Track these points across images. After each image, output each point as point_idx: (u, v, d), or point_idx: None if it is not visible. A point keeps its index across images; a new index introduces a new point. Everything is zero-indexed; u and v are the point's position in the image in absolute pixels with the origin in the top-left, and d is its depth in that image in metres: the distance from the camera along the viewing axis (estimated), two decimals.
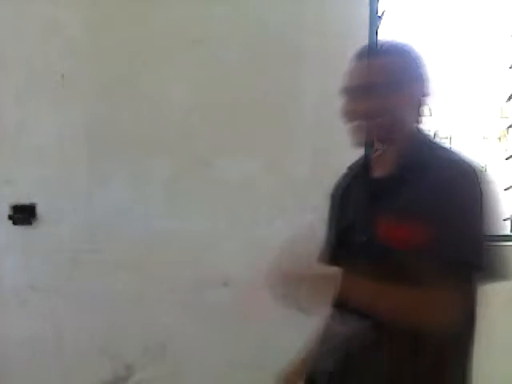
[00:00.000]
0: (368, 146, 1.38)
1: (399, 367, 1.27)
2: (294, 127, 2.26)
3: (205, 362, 2.27)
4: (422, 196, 1.23)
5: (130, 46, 2.26)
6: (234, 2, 2.27)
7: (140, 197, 2.28)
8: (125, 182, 2.29)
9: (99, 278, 2.28)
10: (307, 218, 1.53)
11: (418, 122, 1.33)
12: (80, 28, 2.26)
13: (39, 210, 2.29)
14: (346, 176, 1.48)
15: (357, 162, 1.45)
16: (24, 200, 2.28)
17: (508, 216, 2.49)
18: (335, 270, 1.29)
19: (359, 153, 1.44)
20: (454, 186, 1.21)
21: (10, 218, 2.28)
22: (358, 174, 1.40)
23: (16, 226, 2.29)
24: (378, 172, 1.35)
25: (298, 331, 1.58)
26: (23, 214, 2.28)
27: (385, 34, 2.32)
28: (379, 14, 2.29)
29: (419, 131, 1.34)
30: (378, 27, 2.29)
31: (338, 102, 1.37)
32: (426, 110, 1.33)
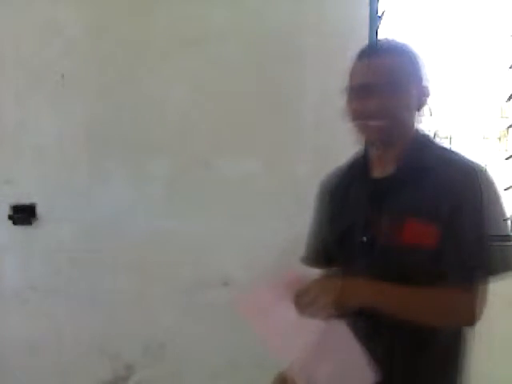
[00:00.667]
0: (368, 145, 1.37)
1: (405, 365, 1.27)
2: (294, 127, 2.26)
3: (205, 362, 2.27)
4: (430, 196, 1.23)
5: (130, 46, 2.26)
6: (234, 2, 2.27)
7: (140, 197, 2.28)
8: (125, 182, 2.29)
9: (99, 278, 2.28)
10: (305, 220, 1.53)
11: (417, 122, 1.33)
12: (80, 28, 2.26)
13: (39, 210, 2.29)
14: (339, 175, 1.47)
15: (352, 161, 1.44)
16: (24, 200, 2.28)
17: (508, 216, 2.49)
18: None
19: (358, 152, 1.44)
20: (462, 186, 1.21)
21: (10, 218, 2.28)
22: (356, 174, 1.39)
23: (16, 226, 2.29)
24: (377, 172, 1.34)
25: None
26: (23, 214, 2.28)
27: (385, 34, 2.32)
28: (379, 14, 2.29)
29: (419, 131, 1.34)
30: (378, 27, 2.29)
31: (339, 102, 1.37)
32: (425, 110, 1.33)
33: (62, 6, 2.26)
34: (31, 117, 2.29)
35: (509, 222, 2.37)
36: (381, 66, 1.25)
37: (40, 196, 2.29)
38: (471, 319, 1.22)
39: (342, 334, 1.19)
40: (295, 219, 2.17)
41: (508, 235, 1.24)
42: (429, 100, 1.33)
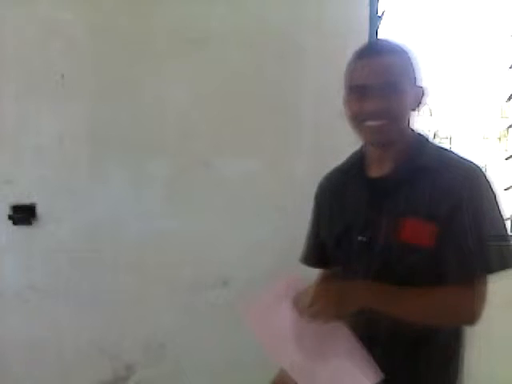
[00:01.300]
0: (366, 145, 1.37)
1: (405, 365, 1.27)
2: (294, 127, 2.26)
3: (205, 362, 2.27)
4: (428, 196, 1.23)
5: (130, 46, 2.26)
6: (234, 2, 2.27)
7: (140, 197, 2.28)
8: (125, 182, 2.29)
9: (99, 277, 2.28)
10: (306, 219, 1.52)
11: (415, 122, 1.34)
12: (80, 28, 2.26)
13: (39, 210, 2.29)
14: (337, 175, 1.47)
15: (349, 161, 1.44)
16: (24, 200, 2.28)
17: (508, 216, 2.50)
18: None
19: (355, 152, 1.44)
20: (461, 186, 1.21)
21: (9, 218, 2.28)
22: (354, 174, 1.39)
23: (16, 226, 2.29)
24: (375, 172, 1.34)
25: None
26: (23, 214, 2.27)
27: (385, 34, 2.32)
28: (379, 14, 2.29)
29: (417, 132, 1.34)
30: (378, 27, 2.29)
31: (339, 102, 1.37)
32: (425, 110, 1.34)
33: (61, 6, 2.26)
34: (31, 117, 2.29)
35: (508, 221, 2.37)
36: (378, 66, 1.25)
37: (40, 196, 2.29)
38: (472, 318, 1.22)
39: (343, 336, 1.19)
40: (295, 219, 2.17)
41: (506, 235, 1.25)
42: (427, 100, 1.33)
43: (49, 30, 2.27)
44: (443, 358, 1.28)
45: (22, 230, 2.29)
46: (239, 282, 2.25)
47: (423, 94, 1.30)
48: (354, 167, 1.39)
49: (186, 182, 2.27)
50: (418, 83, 1.30)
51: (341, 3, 2.25)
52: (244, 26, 2.25)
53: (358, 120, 1.28)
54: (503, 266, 1.22)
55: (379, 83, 1.23)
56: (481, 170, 1.26)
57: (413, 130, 1.33)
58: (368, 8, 2.23)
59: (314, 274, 1.54)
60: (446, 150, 1.37)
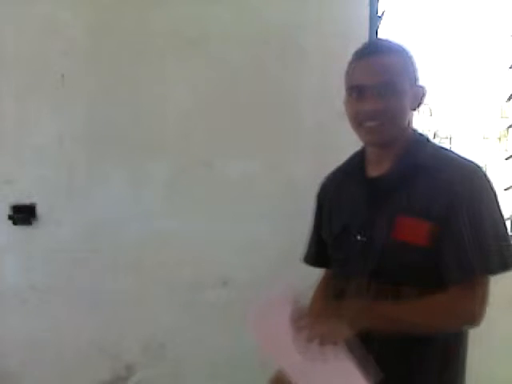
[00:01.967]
0: (366, 145, 1.37)
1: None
2: (294, 127, 2.26)
3: (205, 362, 2.27)
4: (427, 195, 1.23)
5: (130, 46, 2.26)
6: (234, 2, 2.27)
7: (140, 197, 2.28)
8: (125, 182, 2.29)
9: (99, 278, 2.28)
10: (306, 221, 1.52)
11: (414, 121, 1.34)
12: (80, 28, 2.26)
13: (39, 210, 2.29)
14: (337, 175, 1.47)
15: (349, 161, 1.44)
16: (24, 200, 2.28)
17: (508, 216, 2.50)
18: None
19: (355, 152, 1.44)
20: (460, 185, 1.21)
21: (9, 218, 2.28)
22: (353, 174, 1.39)
23: (16, 226, 2.29)
24: (374, 172, 1.34)
25: None
26: (23, 214, 2.27)
27: (385, 34, 2.32)
28: (379, 14, 2.29)
29: (416, 131, 1.34)
30: (378, 27, 2.28)
31: (339, 102, 1.37)
32: (425, 110, 1.34)
33: (61, 6, 2.26)
34: (31, 117, 2.29)
35: (508, 221, 2.37)
36: (376, 66, 1.24)
37: (40, 196, 2.29)
38: (474, 319, 1.22)
39: (340, 359, 1.18)
40: (295, 219, 2.17)
41: (506, 235, 1.25)
42: (426, 99, 1.33)
43: (49, 30, 2.27)
44: (442, 359, 1.28)
45: (21, 230, 2.29)
46: (239, 282, 2.25)
47: (423, 93, 1.30)
48: (354, 167, 1.39)
49: (186, 182, 2.27)
50: (418, 83, 1.30)
51: (341, 3, 2.25)
52: (244, 25, 2.25)
53: (356, 120, 1.28)
54: (503, 267, 1.21)
55: (377, 83, 1.23)
56: (481, 169, 1.27)
57: (413, 130, 1.33)
58: (368, 8, 2.23)
59: (313, 273, 1.54)
60: (445, 149, 1.37)
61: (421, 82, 1.31)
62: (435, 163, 1.26)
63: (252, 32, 2.25)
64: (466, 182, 1.22)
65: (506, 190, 2.74)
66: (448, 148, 1.43)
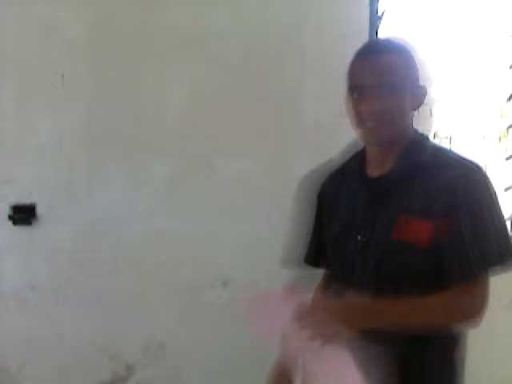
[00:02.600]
0: (366, 145, 1.37)
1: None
2: (293, 127, 2.26)
3: (205, 362, 2.27)
4: (428, 195, 1.23)
5: (130, 46, 2.26)
6: (234, 2, 2.27)
7: (140, 197, 2.28)
8: (125, 182, 2.29)
9: (99, 278, 2.28)
10: None
11: (415, 121, 1.34)
12: (80, 28, 2.26)
13: (39, 210, 2.29)
14: (334, 175, 1.47)
15: (348, 160, 1.44)
16: (24, 200, 2.28)
17: (508, 216, 2.50)
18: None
19: (354, 151, 1.44)
20: (461, 185, 1.21)
21: (9, 218, 2.28)
22: (353, 173, 1.39)
23: (16, 226, 2.29)
24: (374, 171, 1.34)
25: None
26: (23, 214, 2.28)
27: (385, 34, 2.32)
28: (379, 14, 2.29)
29: (417, 131, 1.34)
30: (378, 27, 2.29)
31: (338, 102, 1.37)
32: (425, 110, 1.33)
33: (61, 6, 2.26)
34: (31, 117, 2.29)
35: (508, 221, 2.37)
36: (378, 66, 1.24)
37: (40, 196, 2.29)
38: (475, 317, 1.22)
39: (341, 358, 1.18)
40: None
41: (506, 234, 1.25)
42: (426, 99, 1.33)
43: (49, 29, 2.27)
44: (440, 359, 1.28)
45: (22, 230, 2.29)
46: (239, 282, 2.24)
47: (424, 93, 1.30)
48: (355, 167, 1.39)
49: (187, 182, 2.27)
50: (419, 82, 1.29)
51: (341, 3, 2.25)
52: (244, 25, 2.25)
53: (357, 120, 1.28)
54: (503, 266, 1.22)
55: (378, 83, 1.23)
56: (481, 169, 1.27)
57: (414, 130, 1.33)
58: (368, 8, 2.23)
59: (313, 273, 1.54)
60: (445, 149, 1.37)
61: (424, 82, 1.30)
62: (436, 163, 1.26)
63: (252, 32, 2.25)
64: (467, 182, 1.22)
65: (506, 190, 2.74)
66: (447, 148, 1.43)
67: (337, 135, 1.72)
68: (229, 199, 2.25)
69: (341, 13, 2.24)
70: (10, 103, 2.29)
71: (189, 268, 2.26)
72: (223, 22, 2.25)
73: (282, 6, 2.24)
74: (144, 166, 2.28)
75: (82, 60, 2.27)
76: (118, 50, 2.27)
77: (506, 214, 1.39)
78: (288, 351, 1.25)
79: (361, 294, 1.28)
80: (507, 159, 2.89)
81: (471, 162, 1.27)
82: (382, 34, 2.31)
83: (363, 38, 2.13)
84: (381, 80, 1.23)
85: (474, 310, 1.22)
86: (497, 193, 1.27)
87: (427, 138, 1.35)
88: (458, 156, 1.30)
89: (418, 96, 1.29)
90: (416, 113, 1.33)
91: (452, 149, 1.38)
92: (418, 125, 1.34)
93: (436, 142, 1.47)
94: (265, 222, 2.24)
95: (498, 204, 1.26)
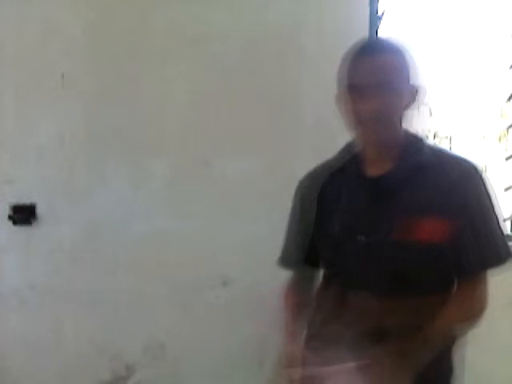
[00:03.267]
0: (362, 144, 1.36)
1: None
2: (294, 127, 2.26)
3: (205, 362, 2.27)
4: (436, 194, 1.23)
5: (130, 45, 2.26)
6: (234, 2, 2.27)
7: (140, 197, 2.28)
8: (125, 182, 2.29)
9: (99, 277, 2.28)
10: None
11: (410, 121, 1.34)
12: (80, 28, 2.26)
13: (39, 210, 2.29)
14: (328, 175, 1.45)
15: (342, 160, 1.43)
16: (24, 200, 2.28)
17: (508, 216, 2.50)
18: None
19: (345, 151, 1.44)
20: (467, 184, 1.22)
21: (9, 218, 2.28)
22: (350, 174, 1.38)
23: (16, 226, 2.29)
24: (372, 171, 1.33)
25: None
26: (23, 214, 2.28)
27: (385, 34, 2.32)
28: (379, 14, 2.29)
29: (410, 131, 1.34)
30: (378, 27, 2.29)
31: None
32: (425, 110, 1.34)
33: (61, 6, 2.26)
34: (31, 117, 2.29)
35: (508, 221, 2.37)
36: (375, 66, 1.24)
37: (40, 196, 2.29)
38: (481, 315, 1.25)
39: None
40: None
41: (502, 233, 1.26)
42: (424, 99, 1.33)
43: (49, 29, 2.27)
44: (437, 357, 1.28)
45: (22, 230, 2.29)
46: (239, 281, 2.24)
47: (419, 92, 1.30)
48: (353, 166, 1.38)
49: (186, 182, 2.28)
50: (414, 82, 1.29)
51: (341, 3, 2.25)
52: (244, 25, 2.25)
53: (355, 120, 1.28)
54: (500, 265, 1.23)
55: (375, 83, 1.23)
56: (477, 167, 1.27)
57: (408, 130, 1.33)
58: (368, 8, 2.23)
59: None
60: (443, 149, 1.39)
61: (419, 81, 1.30)
62: (437, 163, 1.27)
63: (252, 32, 2.25)
64: (469, 182, 1.23)
65: (506, 190, 2.74)
66: (444, 148, 1.44)
67: (337, 135, 1.72)
68: (229, 199, 2.25)
69: (341, 13, 2.23)
70: (10, 103, 2.29)
71: (189, 268, 2.26)
72: (223, 22, 2.25)
73: (282, 5, 2.24)
74: (144, 166, 2.28)
75: (81, 60, 2.27)
76: (118, 50, 2.27)
77: (506, 214, 1.39)
78: None
79: (362, 294, 1.28)
80: (507, 159, 2.89)
81: (470, 162, 1.28)
82: (382, 33, 2.31)
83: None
84: (380, 79, 1.23)
85: (479, 307, 1.23)
86: (494, 191, 1.28)
87: (421, 138, 1.36)
88: (456, 156, 1.30)
89: (413, 95, 1.29)
90: (416, 113, 1.33)
91: (452, 149, 1.38)
92: (418, 125, 1.34)
93: (436, 142, 1.47)
94: (265, 222, 2.24)
95: (496, 203, 1.27)
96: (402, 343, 1.21)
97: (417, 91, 1.29)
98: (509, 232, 2.45)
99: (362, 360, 1.15)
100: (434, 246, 1.23)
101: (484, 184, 1.25)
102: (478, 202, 1.22)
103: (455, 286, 1.27)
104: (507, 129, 3.22)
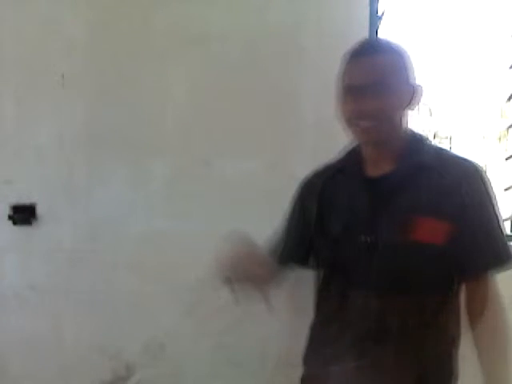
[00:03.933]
0: (360, 145, 1.37)
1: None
2: (294, 127, 2.25)
3: (205, 361, 2.27)
4: (437, 194, 1.24)
5: (130, 45, 2.26)
6: (234, 2, 2.27)
7: (140, 197, 2.28)
8: (125, 182, 2.29)
9: (99, 277, 2.28)
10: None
11: (409, 121, 1.34)
12: (80, 28, 2.26)
13: (39, 210, 2.29)
14: (328, 175, 1.46)
15: (341, 161, 1.43)
16: (24, 200, 2.28)
17: (508, 216, 2.50)
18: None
19: (345, 152, 1.43)
20: (469, 184, 1.23)
21: (9, 218, 2.28)
22: (350, 174, 1.38)
23: (16, 226, 2.28)
24: (372, 171, 1.33)
25: (298, 331, 1.58)
26: (23, 214, 2.27)
27: (385, 34, 2.32)
28: (379, 14, 2.29)
29: (411, 130, 1.35)
30: (378, 27, 2.28)
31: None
32: (425, 110, 1.34)
33: (61, 6, 2.26)
34: (31, 117, 2.29)
35: (508, 221, 2.37)
36: (372, 66, 1.24)
37: (40, 196, 2.29)
38: (485, 308, 1.27)
39: None
40: None
41: (502, 233, 1.26)
42: (424, 99, 1.33)
43: (49, 29, 2.27)
44: (446, 347, 1.28)
45: (22, 230, 2.29)
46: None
47: (417, 92, 1.30)
48: (353, 167, 1.39)
49: (186, 182, 2.27)
50: (411, 82, 1.29)
51: (341, 3, 2.25)
52: (244, 25, 2.25)
53: (352, 120, 1.28)
54: (500, 265, 1.22)
55: (373, 83, 1.23)
56: (479, 167, 1.27)
57: (407, 129, 1.33)
58: (368, 8, 2.22)
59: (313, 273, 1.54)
60: (444, 149, 1.39)
61: (417, 81, 1.31)
62: (440, 163, 1.27)
63: (252, 32, 2.25)
64: (473, 181, 1.23)
65: (506, 190, 2.75)
66: (445, 148, 1.44)
67: (337, 135, 1.73)
68: (228, 199, 2.25)
69: (341, 13, 2.23)
70: (9, 103, 2.29)
71: (189, 268, 2.26)
72: (223, 22, 2.25)
73: (282, 5, 2.24)
74: (144, 166, 2.28)
75: (82, 60, 2.27)
76: (118, 49, 2.27)
77: (506, 214, 1.39)
78: None
79: (362, 294, 1.28)
80: (507, 159, 2.89)
81: (471, 162, 1.28)
82: (382, 33, 2.31)
83: (363, 38, 2.13)
84: (375, 80, 1.23)
85: (481, 307, 1.24)
86: (495, 191, 1.29)
87: (422, 138, 1.36)
88: (458, 156, 1.30)
89: (411, 95, 1.29)
90: (416, 112, 1.33)
91: (452, 149, 1.38)
92: (418, 125, 1.34)
93: (436, 142, 1.47)
94: (265, 222, 2.23)
95: (496, 203, 1.27)
96: (402, 343, 1.21)
97: (416, 91, 1.29)
98: (509, 232, 2.45)
99: (362, 360, 1.15)
100: (434, 246, 1.23)
101: (485, 184, 1.25)
102: (479, 202, 1.22)
103: (456, 287, 1.27)
104: (507, 129, 3.22)
